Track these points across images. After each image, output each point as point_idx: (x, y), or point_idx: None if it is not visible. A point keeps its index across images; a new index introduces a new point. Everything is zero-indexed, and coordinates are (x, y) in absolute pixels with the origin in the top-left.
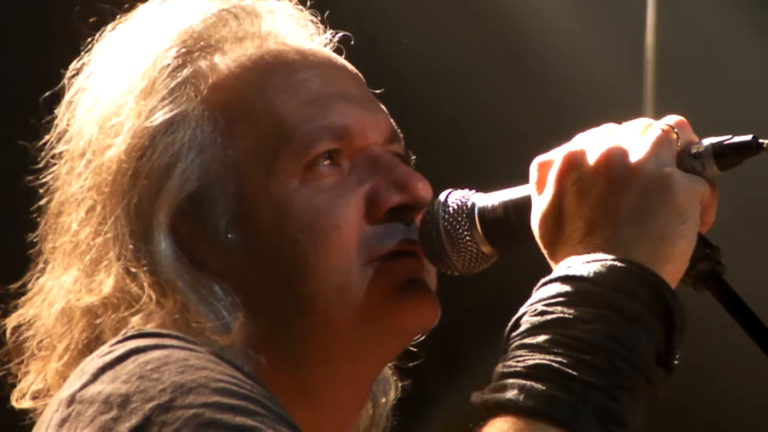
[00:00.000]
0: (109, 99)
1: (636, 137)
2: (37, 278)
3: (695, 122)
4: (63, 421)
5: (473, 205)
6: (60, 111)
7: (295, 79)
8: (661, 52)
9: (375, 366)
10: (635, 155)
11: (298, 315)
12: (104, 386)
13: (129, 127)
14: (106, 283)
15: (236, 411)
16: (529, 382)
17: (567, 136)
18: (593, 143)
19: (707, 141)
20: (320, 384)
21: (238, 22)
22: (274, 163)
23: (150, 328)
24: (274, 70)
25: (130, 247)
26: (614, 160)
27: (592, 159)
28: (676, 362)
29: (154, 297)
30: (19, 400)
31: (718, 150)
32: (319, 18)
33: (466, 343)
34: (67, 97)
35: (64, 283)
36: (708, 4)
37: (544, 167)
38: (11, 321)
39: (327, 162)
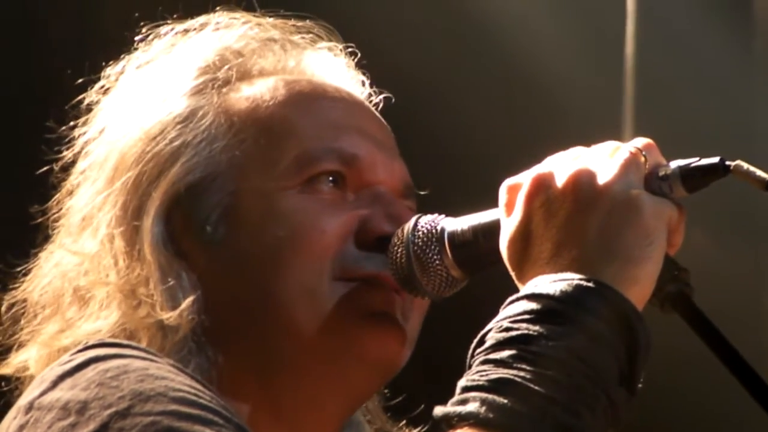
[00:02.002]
0: (139, 88)
1: (604, 159)
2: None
3: (673, 130)
4: (21, 428)
5: (443, 229)
6: (92, 96)
7: (318, 106)
8: (640, 62)
9: (339, 394)
10: (603, 177)
11: (265, 314)
12: (63, 393)
13: (148, 113)
14: (88, 245)
15: (194, 420)
16: (490, 396)
17: (546, 149)
18: (561, 165)
19: (675, 163)
20: (282, 396)
21: (284, 55)
22: (277, 170)
23: (110, 338)
24: (302, 92)
25: (119, 215)
26: (582, 181)
27: (560, 181)
28: (639, 385)
29: (122, 265)
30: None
31: (685, 172)
32: (366, 76)
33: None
34: (105, 82)
35: (58, 250)
36: (686, 10)
37: (513, 190)
38: (12, 295)
39: (331, 183)
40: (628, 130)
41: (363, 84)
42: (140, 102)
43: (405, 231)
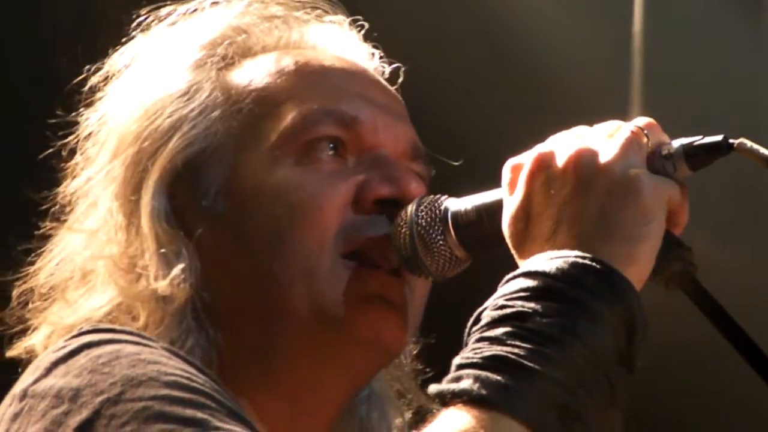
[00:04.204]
0: (140, 67)
1: (606, 139)
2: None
3: (681, 113)
4: (15, 416)
5: (446, 209)
6: (96, 81)
7: (318, 72)
8: (649, 48)
9: (337, 375)
10: (604, 156)
11: (263, 291)
12: (56, 380)
13: (147, 90)
14: (89, 222)
15: (186, 404)
16: (484, 373)
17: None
18: (563, 145)
19: (678, 142)
20: (281, 376)
21: (288, 31)
22: (275, 137)
23: (104, 324)
24: (300, 63)
25: (118, 190)
26: (583, 161)
27: (561, 160)
28: (637, 364)
29: (121, 238)
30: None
31: (688, 151)
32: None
33: None
34: (108, 65)
35: (62, 233)
36: None
37: (516, 169)
38: (22, 280)
39: (331, 151)
40: (636, 113)
41: (372, 56)
42: (141, 81)
43: (408, 211)
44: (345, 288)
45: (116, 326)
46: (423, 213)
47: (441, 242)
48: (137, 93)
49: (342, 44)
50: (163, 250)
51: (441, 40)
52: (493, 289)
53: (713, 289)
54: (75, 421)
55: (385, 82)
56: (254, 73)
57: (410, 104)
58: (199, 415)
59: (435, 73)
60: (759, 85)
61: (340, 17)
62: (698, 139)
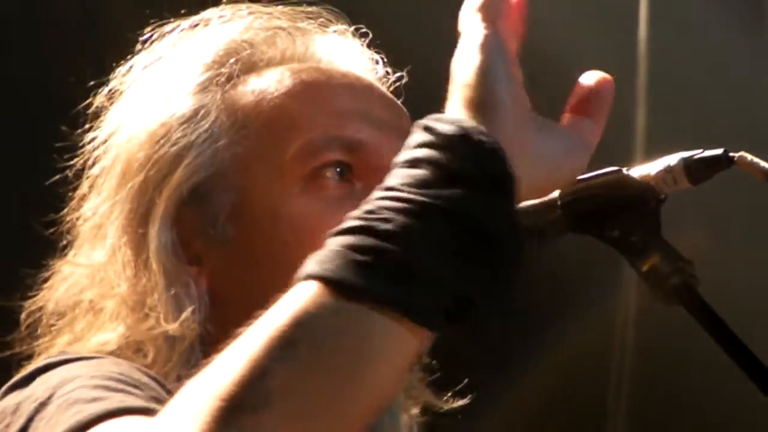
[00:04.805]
0: (145, 89)
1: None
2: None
3: (685, 117)
4: None
5: None
6: (100, 99)
7: (322, 94)
8: (654, 53)
9: None
10: None
11: None
12: (6, 401)
13: (152, 115)
14: (97, 255)
15: (111, 390)
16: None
17: None
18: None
19: (678, 155)
20: None
21: (292, 43)
22: (281, 164)
23: (83, 351)
24: (306, 82)
25: (125, 223)
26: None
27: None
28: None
29: (129, 274)
30: None
31: (689, 164)
32: (380, 56)
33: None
34: (112, 84)
35: (70, 262)
36: (701, 2)
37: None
38: (30, 304)
39: (338, 176)
40: (640, 117)
41: (376, 63)
42: (146, 104)
43: None
44: None
45: (85, 354)
46: None
47: None
48: (142, 117)
49: (346, 56)
50: (172, 291)
51: (446, 44)
52: None
53: (714, 291)
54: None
55: (388, 94)
56: (260, 95)
57: (415, 105)
58: (117, 395)
59: (439, 75)
60: (762, 91)
61: (343, 26)
62: (698, 153)
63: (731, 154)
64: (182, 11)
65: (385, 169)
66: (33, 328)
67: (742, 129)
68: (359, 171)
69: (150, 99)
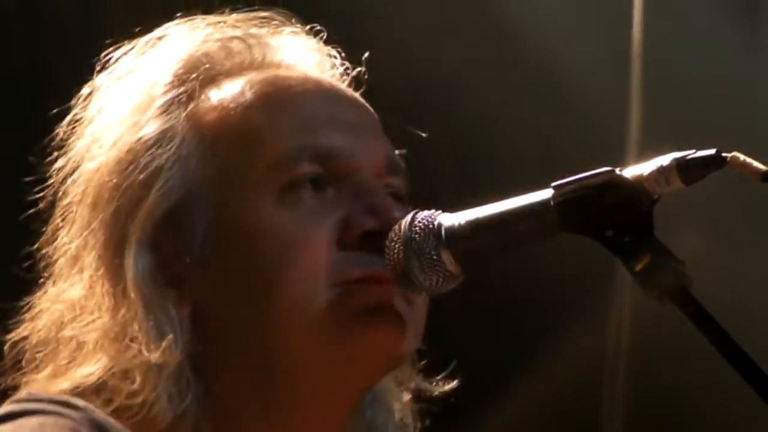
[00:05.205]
0: (108, 114)
1: None
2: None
3: (678, 116)
4: None
5: (440, 224)
6: (64, 126)
7: (287, 102)
8: (648, 52)
9: (344, 391)
10: None
11: (258, 333)
12: None
13: (119, 142)
14: (75, 290)
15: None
16: None
17: (556, 137)
18: None
19: (671, 156)
20: (285, 409)
21: (249, 51)
22: (254, 179)
23: (46, 393)
24: (268, 93)
25: (101, 254)
26: None
27: None
28: None
29: (109, 305)
30: None
31: (681, 164)
32: (337, 52)
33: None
34: (74, 112)
35: (50, 296)
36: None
37: None
38: (12, 336)
39: (310, 187)
40: (635, 116)
41: (334, 59)
42: (111, 130)
43: (402, 227)
44: (344, 308)
45: (54, 396)
46: (417, 228)
47: (435, 258)
48: (108, 144)
49: (303, 58)
50: (152, 319)
51: (438, 39)
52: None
53: (711, 294)
54: None
55: (350, 92)
56: (223, 111)
57: (409, 103)
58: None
59: (431, 71)
60: (756, 89)
61: (296, 27)
62: (691, 153)
63: (724, 154)
64: (174, 12)
65: (356, 171)
66: (18, 360)
67: (737, 127)
68: (331, 177)
69: (114, 124)
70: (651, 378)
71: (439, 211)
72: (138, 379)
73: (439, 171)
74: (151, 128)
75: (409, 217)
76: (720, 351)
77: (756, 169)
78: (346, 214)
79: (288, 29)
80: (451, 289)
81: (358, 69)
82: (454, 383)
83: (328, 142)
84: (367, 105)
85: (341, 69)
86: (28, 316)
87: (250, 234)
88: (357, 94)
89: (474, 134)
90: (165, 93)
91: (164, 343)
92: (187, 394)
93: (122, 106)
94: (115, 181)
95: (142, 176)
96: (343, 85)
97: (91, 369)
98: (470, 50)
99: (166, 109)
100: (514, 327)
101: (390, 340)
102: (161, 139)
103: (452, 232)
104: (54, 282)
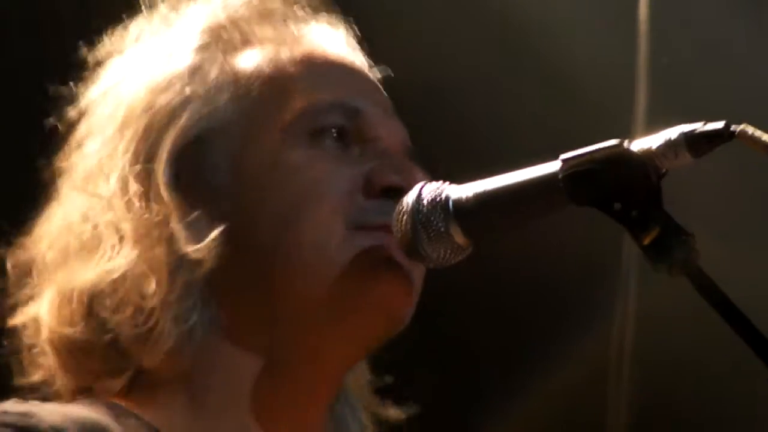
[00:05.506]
0: (145, 49)
1: None
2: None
3: (685, 103)
4: None
5: (447, 197)
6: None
7: (320, 67)
8: (654, 38)
9: (345, 343)
10: None
11: (272, 264)
12: None
13: (155, 68)
14: (104, 188)
15: None
16: None
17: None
18: None
19: (678, 129)
20: (286, 348)
21: (285, 25)
22: (285, 121)
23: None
24: (306, 53)
25: (131, 159)
26: None
27: None
28: None
29: (138, 205)
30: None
31: (690, 138)
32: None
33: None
34: (109, 45)
35: (71, 203)
36: None
37: None
38: (17, 251)
39: (336, 139)
40: (641, 105)
41: (363, 54)
42: (146, 58)
43: (409, 199)
44: (357, 254)
45: (31, 409)
46: (424, 201)
47: (442, 230)
48: (144, 70)
49: (339, 44)
50: (189, 218)
51: (444, 33)
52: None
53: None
54: None
55: (376, 82)
56: (260, 60)
57: (415, 98)
58: None
59: (440, 65)
60: (760, 74)
61: (334, 18)
62: (700, 126)
63: (732, 127)
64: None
65: (380, 139)
66: (22, 275)
67: (740, 112)
68: (355, 137)
69: (150, 54)
70: (655, 382)
71: (447, 183)
72: (152, 284)
73: (445, 159)
74: (188, 59)
75: (416, 189)
76: (730, 324)
77: (765, 143)
78: (373, 167)
79: (325, 16)
80: (458, 261)
81: (384, 71)
82: (408, 412)
83: (357, 103)
84: (388, 97)
85: (367, 65)
86: (35, 230)
87: (275, 170)
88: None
89: (480, 123)
90: (203, 34)
91: (211, 235)
92: (191, 317)
93: (159, 41)
94: (148, 99)
95: (177, 98)
96: (372, 76)
97: (115, 263)
98: (476, 42)
99: (204, 47)
100: (518, 329)
101: (396, 297)
102: (197, 69)
103: (460, 203)
104: (69, 191)
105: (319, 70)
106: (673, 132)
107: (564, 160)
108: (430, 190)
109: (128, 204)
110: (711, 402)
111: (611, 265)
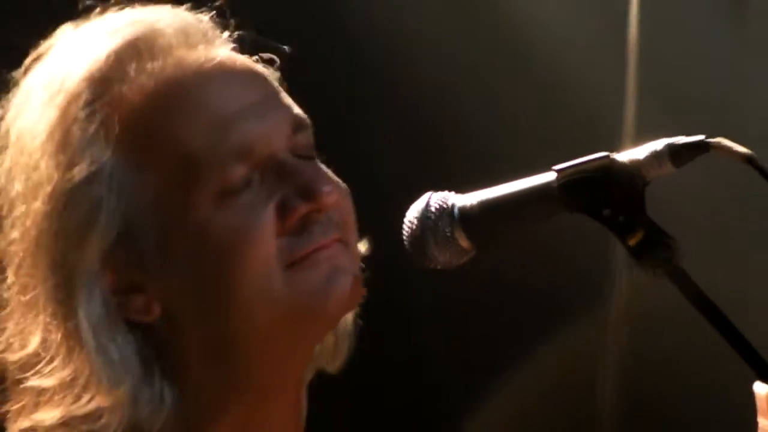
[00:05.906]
0: (29, 150)
1: None
2: None
3: (676, 109)
4: None
5: (453, 205)
6: None
7: (192, 104)
8: (643, 45)
9: (306, 355)
10: None
11: (224, 324)
12: None
13: (49, 184)
14: (32, 340)
15: None
16: None
17: (554, 129)
18: None
19: (663, 141)
20: (255, 388)
21: (139, 56)
22: (188, 193)
23: None
24: (173, 98)
25: (51, 301)
26: None
27: None
28: None
29: (63, 351)
30: None
31: (672, 150)
32: (226, 18)
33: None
34: None
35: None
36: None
37: None
38: None
39: (240, 187)
40: (630, 109)
41: (216, 26)
42: (35, 165)
43: (419, 207)
44: (303, 284)
45: None
46: (432, 208)
47: (448, 234)
48: (35, 182)
49: (189, 38)
50: (113, 358)
51: (442, 37)
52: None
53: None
54: None
55: (242, 63)
56: (141, 128)
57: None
58: None
59: (432, 68)
60: (745, 82)
61: (167, 7)
62: (681, 139)
63: (709, 139)
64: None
65: (274, 154)
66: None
67: (727, 119)
68: (254, 166)
69: (33, 163)
70: (647, 381)
71: (452, 193)
72: (104, 417)
73: (443, 163)
74: (79, 168)
75: (425, 198)
76: (710, 323)
77: (739, 152)
78: (280, 200)
79: (162, 14)
80: (463, 261)
81: (240, 33)
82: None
83: (243, 137)
84: (259, 70)
85: (225, 33)
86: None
87: (198, 244)
88: (247, 60)
89: (474, 129)
90: (80, 127)
91: (126, 383)
92: (162, 402)
93: (42, 141)
94: (55, 225)
95: (80, 216)
96: (233, 56)
97: (46, 416)
98: (470, 49)
99: (88, 143)
100: (510, 324)
101: (348, 297)
102: (91, 176)
103: (464, 211)
104: (10, 330)
105: (191, 115)
106: (657, 144)
107: (558, 171)
108: (437, 198)
109: (53, 356)
110: (700, 399)
111: (603, 259)
